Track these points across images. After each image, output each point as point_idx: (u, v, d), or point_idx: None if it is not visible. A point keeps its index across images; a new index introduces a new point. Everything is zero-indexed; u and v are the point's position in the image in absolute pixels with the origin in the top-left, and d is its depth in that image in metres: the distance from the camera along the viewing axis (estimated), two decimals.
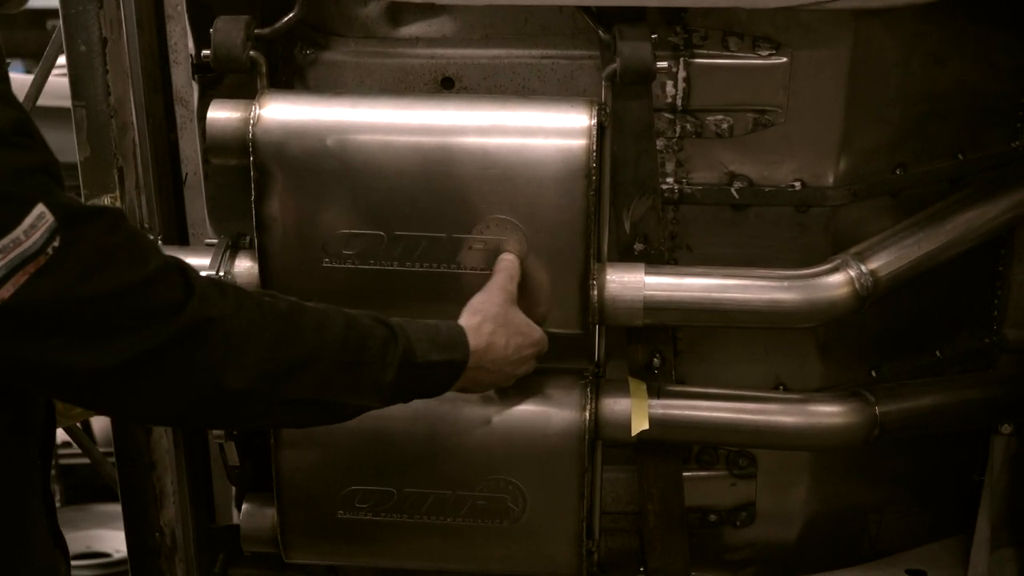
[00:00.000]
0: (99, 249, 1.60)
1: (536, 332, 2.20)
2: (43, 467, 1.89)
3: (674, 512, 2.56)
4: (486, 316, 2.11)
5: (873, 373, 2.62)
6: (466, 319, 2.10)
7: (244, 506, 2.57)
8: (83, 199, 2.40)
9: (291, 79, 2.43)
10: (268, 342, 1.75)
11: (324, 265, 2.27)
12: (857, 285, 2.35)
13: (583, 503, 2.38)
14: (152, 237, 2.47)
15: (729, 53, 2.36)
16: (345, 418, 1.96)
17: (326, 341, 1.82)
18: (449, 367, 2.02)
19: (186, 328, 1.66)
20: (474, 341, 2.05)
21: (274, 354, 1.75)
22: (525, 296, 2.24)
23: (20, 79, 5.59)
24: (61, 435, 4.41)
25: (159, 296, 1.65)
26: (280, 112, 2.26)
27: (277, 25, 2.34)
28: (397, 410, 2.28)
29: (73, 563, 4.35)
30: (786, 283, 2.34)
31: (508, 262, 2.22)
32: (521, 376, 2.21)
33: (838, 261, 2.38)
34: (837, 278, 2.36)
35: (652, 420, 2.39)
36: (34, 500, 1.83)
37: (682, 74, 2.36)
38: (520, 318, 2.17)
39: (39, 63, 2.65)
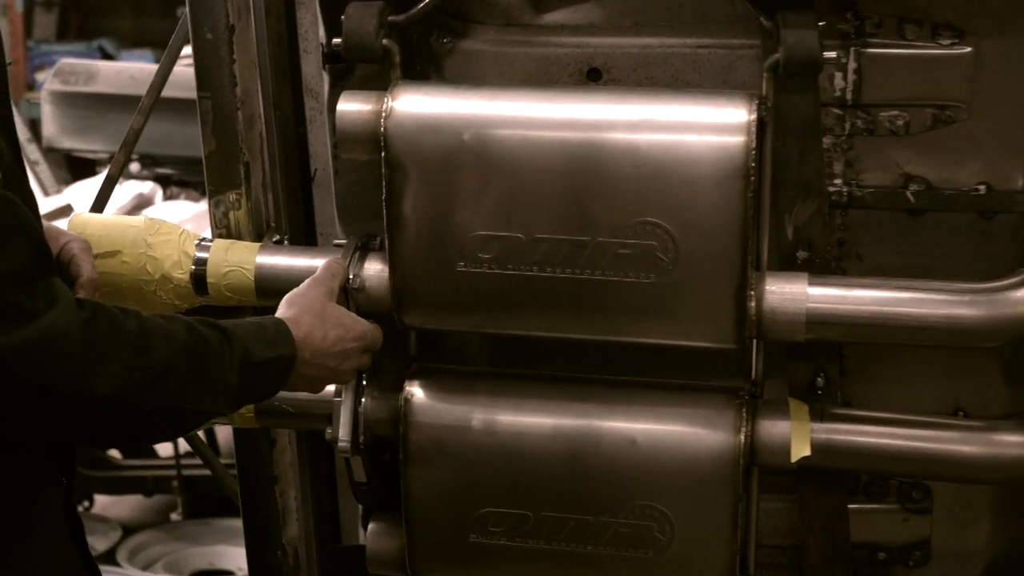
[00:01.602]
0: None
1: (360, 325, 2.22)
2: (66, 485, 1.93)
3: (838, 547, 2.48)
4: (303, 308, 2.15)
5: None
6: (283, 312, 2.15)
7: (371, 525, 2.55)
8: (208, 195, 2.44)
9: (426, 69, 2.42)
10: (129, 352, 1.78)
11: (459, 269, 2.26)
12: None
13: (737, 534, 2.33)
14: (274, 236, 2.49)
15: (906, 42, 2.30)
16: (198, 427, 2.07)
17: (175, 349, 1.86)
18: (282, 362, 2.06)
19: (42, 338, 1.67)
20: (294, 332, 2.09)
21: (136, 364, 1.78)
22: None
23: (148, 68, 5.68)
24: (183, 445, 4.44)
25: (15, 296, 1.66)
26: (414, 104, 2.24)
27: (412, 12, 2.33)
28: (535, 427, 2.39)
29: None
30: (967, 297, 2.24)
31: (334, 261, 2.30)
32: (350, 371, 2.21)
33: None
34: None
35: (814, 445, 2.32)
36: (45, 518, 1.86)
37: (853, 65, 2.31)
38: (339, 311, 2.20)
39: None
